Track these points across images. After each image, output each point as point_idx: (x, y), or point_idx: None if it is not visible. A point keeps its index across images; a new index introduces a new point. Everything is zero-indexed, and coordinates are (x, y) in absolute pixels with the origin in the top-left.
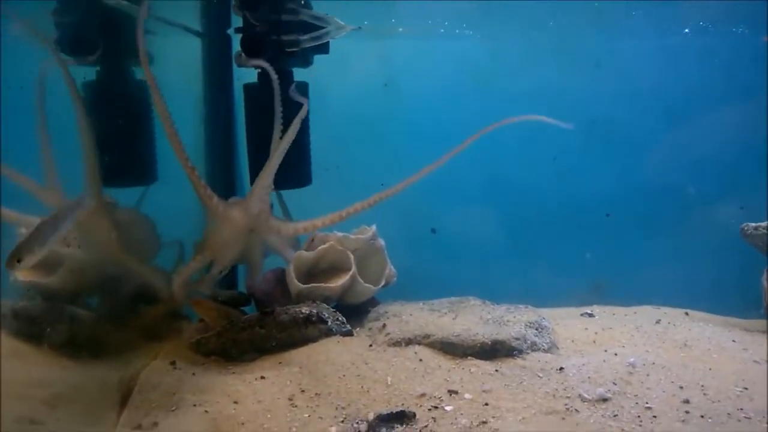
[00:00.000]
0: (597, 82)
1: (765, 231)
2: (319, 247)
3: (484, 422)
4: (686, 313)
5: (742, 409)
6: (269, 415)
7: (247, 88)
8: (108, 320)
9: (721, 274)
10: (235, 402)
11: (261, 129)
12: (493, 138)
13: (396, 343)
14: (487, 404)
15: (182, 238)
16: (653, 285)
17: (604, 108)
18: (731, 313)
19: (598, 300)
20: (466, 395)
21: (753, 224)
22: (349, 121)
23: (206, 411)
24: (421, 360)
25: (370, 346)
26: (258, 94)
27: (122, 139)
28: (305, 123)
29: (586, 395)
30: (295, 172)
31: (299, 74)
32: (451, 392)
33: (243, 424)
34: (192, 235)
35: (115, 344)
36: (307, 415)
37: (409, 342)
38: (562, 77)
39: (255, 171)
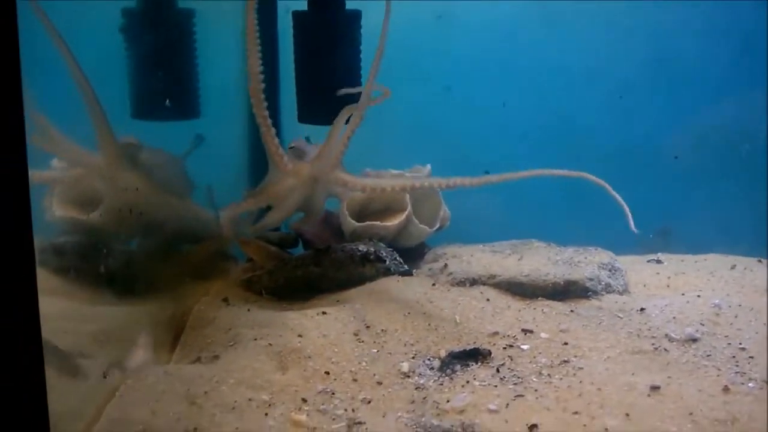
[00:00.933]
0: (668, 13)
1: None
2: None
3: (566, 361)
4: (759, 261)
5: None
6: (336, 349)
7: (297, 15)
8: (154, 258)
9: None
10: (300, 335)
11: (312, 60)
12: (553, 74)
13: (460, 283)
14: (566, 343)
15: (221, 174)
16: (720, 233)
17: (674, 43)
18: None
19: (662, 248)
20: (543, 334)
21: None
22: (397, 55)
23: (270, 344)
24: (488, 300)
25: (433, 285)
26: (309, 22)
27: (163, 70)
28: (357, 55)
29: (673, 335)
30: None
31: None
32: (525, 331)
33: (310, 357)
34: (231, 171)
35: (162, 282)
36: (375, 351)
37: (473, 282)
38: (630, 8)
39: (303, 104)
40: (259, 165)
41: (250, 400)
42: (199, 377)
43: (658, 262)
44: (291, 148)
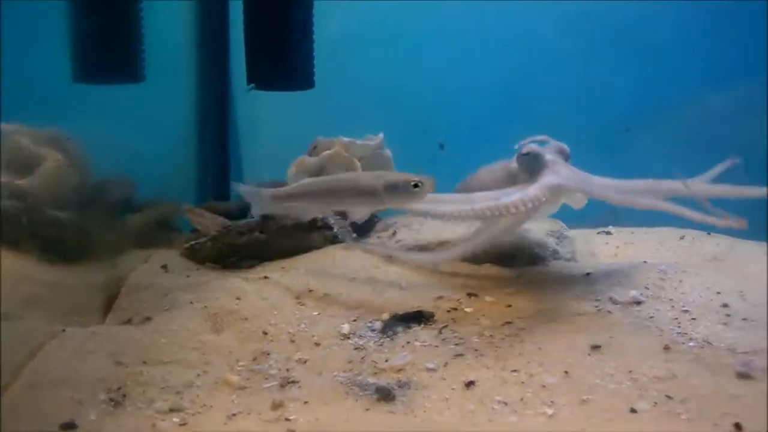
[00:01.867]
0: None
1: None
2: (323, 153)
3: (509, 322)
4: (709, 234)
5: None
6: (275, 312)
7: None
8: (92, 225)
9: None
10: (238, 298)
11: (262, 19)
12: (505, 48)
13: (409, 250)
14: (510, 306)
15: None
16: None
17: (629, 13)
18: (756, 238)
19: (613, 221)
20: (487, 298)
21: None
22: (362, 20)
23: (205, 306)
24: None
25: None
26: None
27: (105, 29)
28: (308, 15)
29: (618, 298)
30: (297, 71)
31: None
32: (470, 295)
33: (247, 319)
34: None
35: (100, 249)
36: (316, 314)
37: (422, 249)
38: None
39: (252, 66)
40: (206, 133)
41: (180, 359)
42: (128, 338)
43: (608, 233)
44: (524, 155)
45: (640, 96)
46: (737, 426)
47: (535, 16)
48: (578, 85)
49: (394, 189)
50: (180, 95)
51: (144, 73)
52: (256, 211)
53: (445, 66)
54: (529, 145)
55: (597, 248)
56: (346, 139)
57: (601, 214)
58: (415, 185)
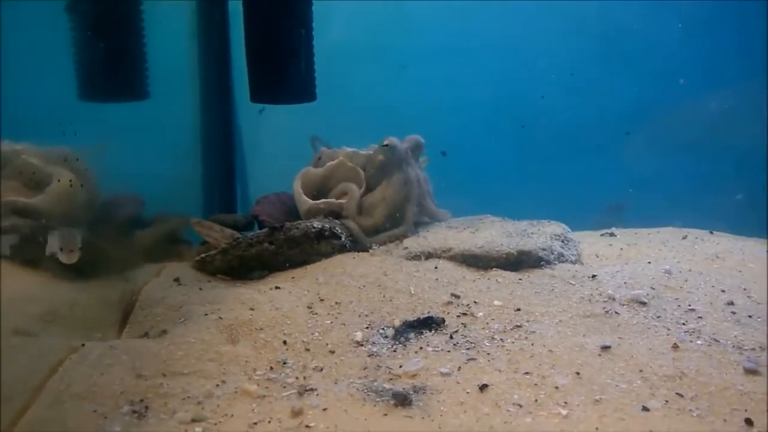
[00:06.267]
0: None
1: None
2: (328, 164)
3: (518, 326)
4: (711, 233)
5: None
6: (289, 321)
7: None
8: (104, 241)
9: (745, 195)
10: (252, 309)
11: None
12: (506, 53)
13: (415, 257)
14: (518, 310)
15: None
16: (673, 207)
17: (621, 19)
18: (756, 235)
19: (616, 223)
20: (496, 302)
21: None
22: (353, 35)
23: (220, 318)
24: (443, 272)
25: (388, 260)
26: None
27: (110, 48)
28: (308, 23)
29: (624, 299)
30: (297, 83)
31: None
32: (479, 301)
33: (261, 329)
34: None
35: (112, 264)
36: (329, 322)
37: (428, 256)
38: None
39: (255, 80)
40: (211, 147)
41: (198, 371)
42: (146, 351)
43: (612, 235)
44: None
45: (637, 100)
46: (748, 421)
47: (527, 26)
48: (578, 92)
49: None
50: (184, 111)
51: (148, 91)
52: None
53: (444, 73)
54: (390, 138)
55: (601, 250)
56: (349, 149)
57: (601, 214)
58: None
